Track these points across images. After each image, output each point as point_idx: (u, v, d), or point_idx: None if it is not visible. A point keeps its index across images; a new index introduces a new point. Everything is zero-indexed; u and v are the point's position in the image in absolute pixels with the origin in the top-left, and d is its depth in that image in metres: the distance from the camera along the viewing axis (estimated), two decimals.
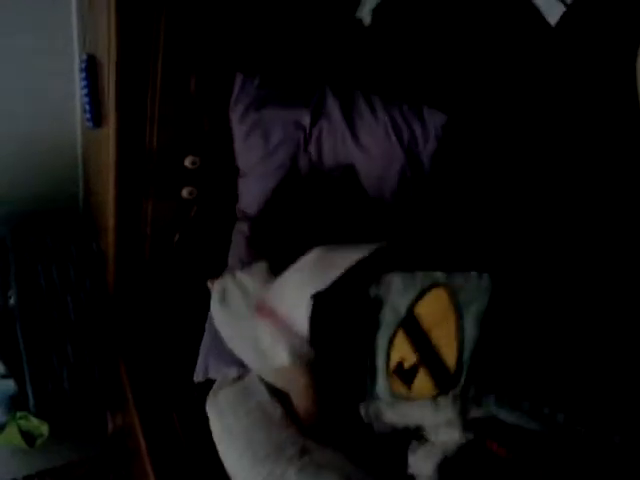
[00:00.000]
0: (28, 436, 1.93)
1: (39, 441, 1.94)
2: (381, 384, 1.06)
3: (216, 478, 1.62)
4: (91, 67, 1.55)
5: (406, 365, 1.02)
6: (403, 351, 1.03)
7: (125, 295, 1.87)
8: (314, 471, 1.12)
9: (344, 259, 1.22)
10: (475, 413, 0.95)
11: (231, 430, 1.25)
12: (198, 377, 1.63)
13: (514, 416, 0.92)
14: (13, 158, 1.92)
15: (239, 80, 1.49)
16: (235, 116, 1.51)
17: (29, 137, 1.90)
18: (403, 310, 1.04)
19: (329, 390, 1.19)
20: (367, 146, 1.50)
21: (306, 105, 1.53)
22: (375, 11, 1.51)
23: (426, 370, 1.00)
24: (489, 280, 0.99)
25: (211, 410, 1.34)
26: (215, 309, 1.40)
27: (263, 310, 1.29)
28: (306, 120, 1.52)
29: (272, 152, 1.52)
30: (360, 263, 1.18)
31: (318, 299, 1.14)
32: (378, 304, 1.08)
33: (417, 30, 1.57)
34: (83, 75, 1.56)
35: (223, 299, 1.38)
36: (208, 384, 1.64)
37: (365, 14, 1.53)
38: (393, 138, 1.47)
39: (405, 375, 1.03)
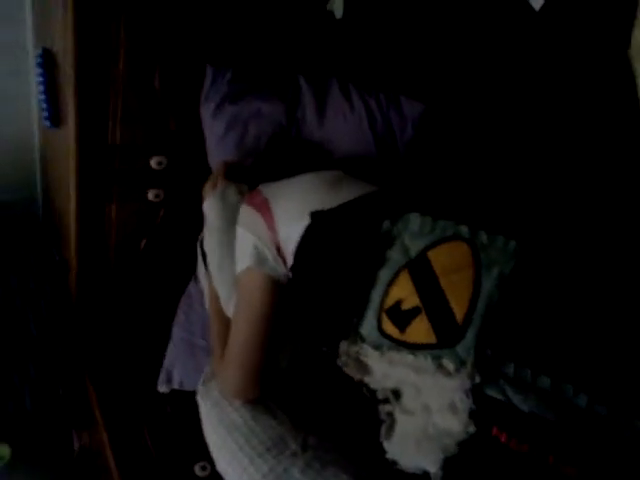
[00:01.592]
0: None
1: (0, 464, 1.85)
2: (369, 320, 1.00)
3: None
4: (47, 62, 1.48)
5: (404, 306, 0.97)
6: (405, 291, 0.97)
7: (89, 305, 1.80)
8: (319, 468, 1.09)
9: (362, 188, 1.17)
10: (487, 391, 0.90)
11: (228, 421, 1.19)
12: (162, 387, 1.63)
13: (531, 401, 0.87)
14: None
15: (210, 74, 1.45)
16: (207, 112, 1.47)
17: None
18: (414, 252, 0.99)
19: (304, 323, 1.15)
20: (338, 134, 1.47)
21: (281, 97, 1.49)
22: (347, 1, 1.48)
23: (426, 315, 0.95)
24: (515, 246, 0.96)
25: (204, 400, 1.27)
26: (211, 204, 1.33)
27: (255, 198, 1.23)
28: (282, 113, 1.48)
29: (249, 148, 1.46)
30: (377, 195, 1.14)
31: (317, 218, 1.08)
32: (388, 240, 1.02)
33: (392, 18, 1.55)
34: (39, 71, 1.50)
35: (223, 195, 1.32)
36: (179, 395, 1.60)
37: (337, 6, 1.50)
38: (365, 127, 1.44)
39: (400, 317, 0.97)
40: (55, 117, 1.53)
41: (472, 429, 0.90)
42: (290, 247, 1.11)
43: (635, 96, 1.17)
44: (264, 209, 1.18)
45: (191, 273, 1.69)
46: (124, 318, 1.84)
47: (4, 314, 1.75)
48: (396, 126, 1.46)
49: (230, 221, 1.27)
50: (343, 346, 1.04)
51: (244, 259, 1.16)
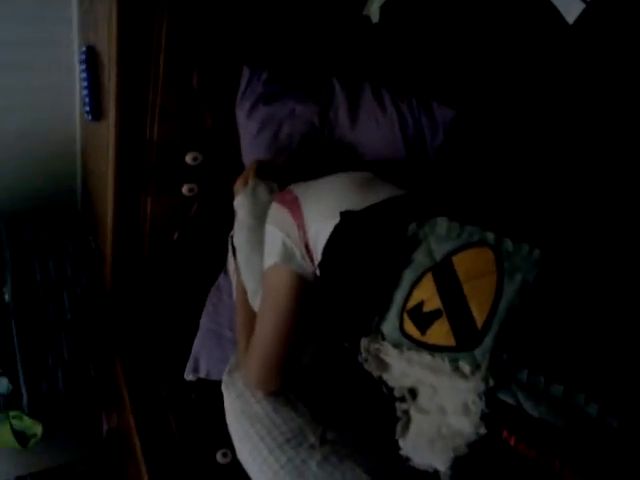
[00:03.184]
0: (21, 436, 1.90)
1: (32, 441, 1.91)
2: (391, 320, 1.01)
3: (211, 479, 1.62)
4: (91, 59, 1.52)
5: (426, 308, 0.98)
6: (428, 293, 0.99)
7: (122, 293, 1.84)
8: (336, 462, 1.11)
9: (391, 190, 1.19)
10: (500, 395, 0.92)
11: (250, 412, 1.22)
12: (188, 376, 1.66)
13: (542, 407, 0.89)
14: (10, 152, 1.90)
15: (246, 74, 1.46)
16: (242, 112, 1.49)
17: (27, 131, 1.88)
18: (439, 256, 1.00)
19: (328, 319, 1.16)
20: (370, 137, 1.48)
21: (314, 99, 1.50)
22: (383, 7, 1.49)
23: (447, 318, 0.96)
24: (540, 255, 0.96)
25: (228, 391, 1.31)
26: (241, 201, 1.36)
27: (285, 196, 1.26)
28: (315, 114, 1.49)
29: (281, 148, 1.48)
30: (405, 198, 1.15)
31: (347, 218, 1.11)
32: (414, 243, 1.03)
33: (427, 25, 1.55)
34: (83, 67, 1.53)
35: (254, 192, 1.35)
36: (205, 384, 1.64)
37: (373, 11, 1.51)
38: (397, 131, 1.45)
39: (422, 318, 0.99)
40: (96, 111, 1.56)
41: (483, 431, 0.91)
42: (319, 245, 1.13)
43: None
44: (294, 207, 1.20)
45: (221, 266, 1.72)
46: (155, 306, 1.89)
47: (42, 299, 1.81)
48: (427, 131, 1.46)
49: (260, 218, 1.29)
50: (364, 343, 1.05)
51: (272, 255, 1.19)
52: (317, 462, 1.11)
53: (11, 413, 1.89)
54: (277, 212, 1.24)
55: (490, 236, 1.00)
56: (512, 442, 0.89)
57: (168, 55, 1.37)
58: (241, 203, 1.36)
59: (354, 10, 1.51)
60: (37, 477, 1.95)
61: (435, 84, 1.53)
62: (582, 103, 1.41)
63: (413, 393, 1.05)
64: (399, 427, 1.05)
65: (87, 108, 1.57)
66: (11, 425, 1.90)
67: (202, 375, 1.64)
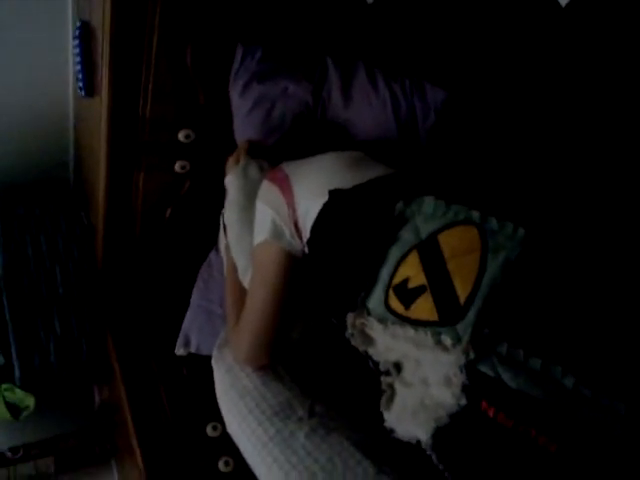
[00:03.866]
0: (13, 408, 1.91)
1: (25, 413, 1.93)
2: (377, 295, 1.04)
3: (201, 452, 1.65)
4: (85, 34, 1.51)
5: (411, 284, 1.01)
6: (413, 270, 1.01)
7: (114, 269, 1.86)
8: (323, 434, 1.13)
9: (381, 169, 1.21)
10: (480, 367, 0.94)
11: (239, 386, 1.24)
12: (179, 351, 1.68)
13: (520, 379, 0.92)
14: (2, 127, 1.89)
15: (239, 52, 1.46)
16: (235, 90, 1.49)
17: (20, 106, 1.87)
18: (425, 234, 1.03)
19: (316, 295, 1.18)
20: (362, 117, 1.48)
21: (308, 78, 1.50)
22: None
23: (431, 294, 0.99)
24: (524, 234, 0.99)
25: (217, 365, 1.33)
26: (232, 179, 1.38)
27: (276, 174, 1.27)
28: (309, 93, 1.49)
29: (274, 126, 1.49)
30: (393, 177, 1.17)
31: (335, 196, 1.13)
32: (401, 221, 1.06)
33: (421, 6, 1.55)
34: (76, 42, 1.53)
35: (245, 170, 1.37)
36: (195, 358, 1.66)
37: None
38: (389, 112, 1.46)
39: (406, 294, 1.01)
40: (89, 87, 1.56)
41: (463, 402, 0.94)
42: (307, 223, 1.15)
43: None
44: (284, 185, 1.22)
45: (212, 243, 1.74)
46: (147, 282, 1.90)
47: (33, 273, 1.81)
48: (419, 112, 1.47)
49: (250, 196, 1.31)
50: (350, 318, 1.07)
51: (262, 232, 1.21)
52: (305, 434, 1.13)
53: (3, 386, 1.90)
54: (267, 190, 1.25)
55: (475, 215, 1.02)
56: (491, 413, 0.92)
57: (162, 32, 1.37)
58: (232, 181, 1.37)
59: None
60: (30, 448, 1.97)
61: (428, 64, 1.53)
62: (572, 86, 1.42)
63: (398, 367, 1.08)
64: (384, 400, 1.08)
65: (80, 84, 1.57)
66: (4, 397, 1.91)
67: (192, 350, 1.66)
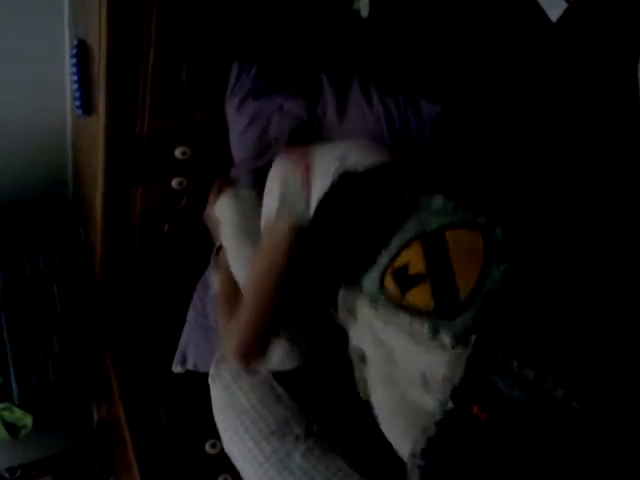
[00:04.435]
0: (11, 427, 1.90)
1: (23, 432, 1.92)
2: (373, 275, 1.03)
3: (199, 470, 1.64)
4: (82, 53, 1.53)
5: (412, 270, 1.00)
6: (415, 257, 1.01)
7: (112, 286, 1.86)
8: (319, 454, 1.12)
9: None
10: (477, 373, 0.94)
11: (237, 404, 1.22)
12: (176, 368, 1.67)
13: (515, 389, 0.91)
14: (1, 144, 1.90)
15: (235, 69, 1.47)
16: (232, 107, 1.49)
17: (17, 124, 1.88)
18: (433, 225, 1.03)
19: (313, 268, 1.15)
20: (357, 132, 1.47)
21: (303, 94, 1.51)
22: (373, 1, 1.50)
23: (430, 284, 0.98)
24: (527, 247, 0.99)
25: (214, 383, 1.30)
26: (224, 204, 1.37)
27: (295, 151, 1.23)
28: (303, 110, 1.49)
29: (270, 143, 1.49)
30: (406, 167, 1.17)
31: (345, 179, 1.10)
32: (409, 211, 1.06)
33: (416, 21, 1.56)
34: (73, 61, 1.54)
35: (235, 194, 1.37)
36: (194, 375, 1.65)
37: (363, 5, 1.52)
38: (384, 128, 1.46)
39: (405, 280, 1.00)
40: (87, 105, 1.57)
41: (450, 406, 0.92)
42: (317, 198, 1.12)
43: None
44: (302, 161, 1.18)
45: (209, 259, 1.75)
46: (145, 299, 1.90)
47: (31, 291, 1.81)
48: (414, 127, 1.47)
49: (246, 215, 1.30)
50: (341, 294, 1.07)
51: (272, 205, 1.15)
52: (301, 454, 1.12)
53: (1, 405, 1.90)
54: (282, 166, 1.21)
55: (482, 221, 1.03)
56: (483, 418, 0.91)
57: (158, 49, 1.37)
58: (223, 204, 1.37)
59: (344, 4, 1.52)
60: (28, 468, 1.96)
61: (422, 80, 1.54)
62: (566, 99, 1.43)
63: (363, 359, 1.07)
64: (362, 388, 1.07)
65: (77, 102, 1.58)
66: (2, 417, 1.90)
67: (189, 367, 1.65)
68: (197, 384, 1.65)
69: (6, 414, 1.90)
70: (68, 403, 1.97)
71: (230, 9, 1.41)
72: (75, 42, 1.54)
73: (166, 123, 1.51)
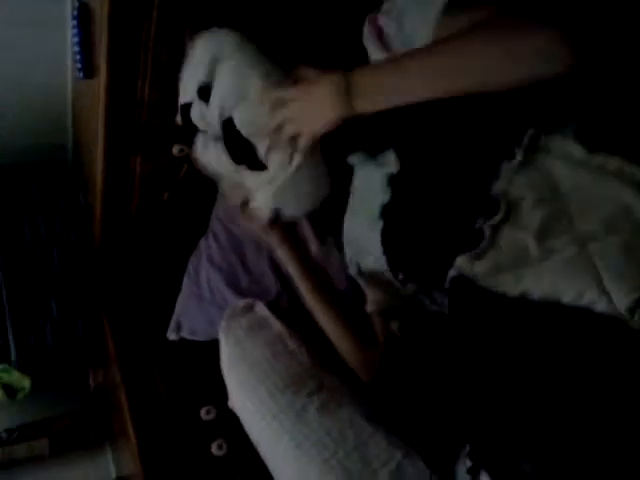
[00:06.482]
0: (9, 389, 1.92)
1: (20, 394, 1.94)
2: None
3: (194, 435, 1.66)
4: (83, 15, 1.50)
5: None
6: None
7: (111, 251, 1.86)
8: (334, 408, 1.12)
9: None
10: None
11: (250, 359, 1.23)
12: (171, 335, 1.68)
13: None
14: (0, 109, 1.88)
15: None
16: None
17: (17, 87, 1.86)
18: None
19: None
20: None
21: None
22: None
23: None
24: None
25: (227, 337, 1.30)
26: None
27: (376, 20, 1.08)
28: None
29: None
30: None
31: None
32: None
33: None
34: (74, 23, 1.52)
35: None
36: (190, 342, 1.66)
37: None
38: None
39: None
40: (88, 69, 1.55)
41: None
42: None
43: None
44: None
45: (206, 228, 1.74)
46: (144, 266, 1.91)
47: (31, 255, 1.82)
48: None
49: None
50: None
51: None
52: (316, 408, 1.12)
53: None
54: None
55: None
56: None
57: (161, 13, 1.35)
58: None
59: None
60: (25, 429, 1.98)
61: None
62: None
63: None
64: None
65: (79, 65, 1.56)
66: (0, 378, 1.93)
67: (184, 334, 1.66)
68: (193, 351, 1.67)
69: (4, 376, 1.92)
70: (66, 367, 1.98)
71: None
72: (77, 4, 1.52)
73: (168, 89, 1.47)
